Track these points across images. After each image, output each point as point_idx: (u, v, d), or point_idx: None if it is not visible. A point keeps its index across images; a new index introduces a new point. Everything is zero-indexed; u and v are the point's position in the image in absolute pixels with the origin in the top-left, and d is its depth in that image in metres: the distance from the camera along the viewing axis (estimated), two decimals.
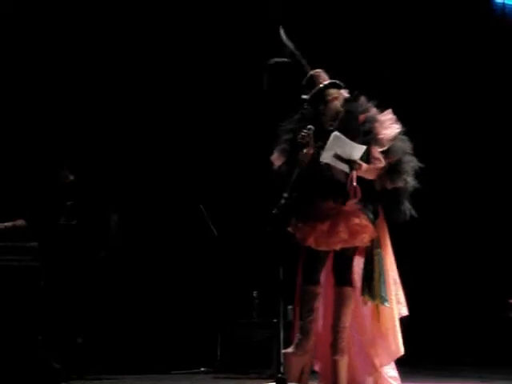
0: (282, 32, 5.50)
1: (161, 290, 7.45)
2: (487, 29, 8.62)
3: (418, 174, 5.30)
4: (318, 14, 7.94)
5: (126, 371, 6.41)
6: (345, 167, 5.18)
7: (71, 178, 6.65)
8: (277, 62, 5.45)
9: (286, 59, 5.44)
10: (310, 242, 5.29)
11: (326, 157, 5.15)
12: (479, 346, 7.64)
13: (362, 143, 5.21)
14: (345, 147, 5.11)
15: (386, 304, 5.30)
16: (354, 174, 5.19)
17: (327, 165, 5.22)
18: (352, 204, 5.28)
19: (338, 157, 5.14)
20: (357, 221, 5.27)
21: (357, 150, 5.13)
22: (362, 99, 5.38)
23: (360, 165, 5.17)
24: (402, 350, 5.32)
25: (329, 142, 5.10)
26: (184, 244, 7.60)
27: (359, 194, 5.23)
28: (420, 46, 8.25)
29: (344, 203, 5.26)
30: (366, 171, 5.23)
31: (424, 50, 8.25)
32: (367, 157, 5.25)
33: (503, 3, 8.82)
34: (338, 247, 5.28)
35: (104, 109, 7.67)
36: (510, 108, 8.37)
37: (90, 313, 6.53)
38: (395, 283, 5.37)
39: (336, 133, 5.13)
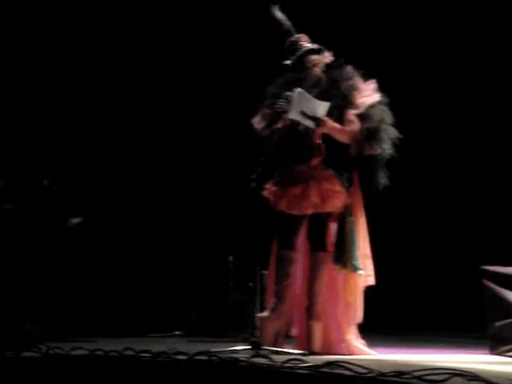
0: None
1: (136, 253, 7.44)
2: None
3: (395, 144, 5.32)
4: None
5: (102, 334, 6.43)
6: (311, 124, 5.22)
7: None
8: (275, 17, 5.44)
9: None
10: (282, 205, 5.34)
11: (293, 113, 5.18)
12: (453, 313, 7.73)
13: (337, 106, 5.24)
14: (308, 104, 5.15)
15: (359, 272, 5.35)
16: (319, 130, 5.24)
17: (305, 131, 5.26)
18: (325, 169, 5.31)
19: (303, 114, 5.17)
20: (329, 186, 5.31)
21: (321, 107, 5.17)
22: (348, 67, 5.39)
23: (324, 121, 5.18)
24: (360, 318, 5.40)
25: (293, 99, 5.12)
26: (159, 208, 7.60)
27: (323, 152, 5.27)
28: (409, 24, 8.23)
29: (309, 159, 5.27)
30: (338, 132, 5.25)
31: (413, 28, 8.23)
32: (341, 120, 5.26)
33: None
34: (309, 211, 5.31)
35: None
36: (490, 88, 8.37)
37: (66, 278, 6.54)
38: (364, 255, 5.42)
39: (299, 89, 5.15)
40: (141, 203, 7.62)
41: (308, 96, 5.17)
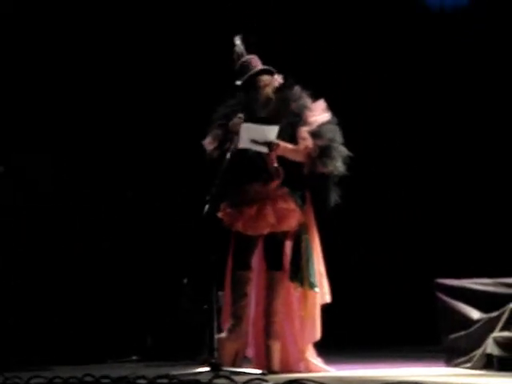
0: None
1: (91, 278, 7.38)
2: (405, 15, 8.75)
3: (346, 162, 5.37)
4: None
5: (57, 362, 6.37)
6: (264, 149, 5.25)
7: None
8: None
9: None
10: (238, 226, 5.35)
11: (243, 142, 5.21)
12: (408, 327, 7.80)
13: (289, 124, 5.29)
14: (258, 132, 5.18)
15: (316, 289, 5.38)
16: (273, 154, 5.27)
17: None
18: (279, 188, 5.34)
19: (254, 141, 5.20)
20: (284, 205, 5.33)
21: (270, 131, 5.20)
22: (297, 88, 5.44)
23: (277, 144, 5.22)
24: (318, 336, 5.42)
25: (240, 134, 5.17)
26: (113, 230, 7.55)
27: (282, 175, 5.30)
28: (354, 38, 8.33)
29: (267, 183, 5.31)
30: (291, 152, 5.29)
31: (359, 42, 8.33)
32: (294, 138, 5.31)
33: None
34: (265, 231, 5.34)
35: None
36: (438, 99, 8.51)
37: (20, 302, 6.48)
38: (320, 273, 5.46)
39: (244, 124, 5.20)
40: (96, 226, 7.54)
41: (255, 126, 5.21)
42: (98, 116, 7.69)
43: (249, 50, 5.47)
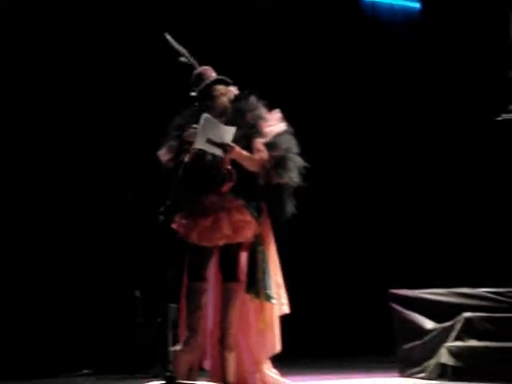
0: (168, 37, 5.50)
1: (42, 291, 7.28)
2: (357, 28, 8.81)
3: (302, 173, 5.37)
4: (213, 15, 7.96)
5: (10, 377, 6.28)
6: (219, 151, 5.21)
7: None
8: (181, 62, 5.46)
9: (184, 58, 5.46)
10: (193, 237, 5.28)
11: (199, 142, 5.16)
12: (361, 337, 7.83)
13: (244, 135, 5.26)
14: (215, 130, 5.14)
15: (272, 301, 5.34)
16: (227, 156, 5.24)
17: (212, 161, 5.26)
18: (235, 200, 5.31)
19: (210, 141, 5.17)
20: (240, 217, 5.29)
21: (227, 132, 5.16)
22: (252, 98, 5.41)
23: (232, 147, 5.19)
24: (278, 348, 5.39)
25: (200, 125, 5.13)
26: (65, 242, 7.46)
27: (234, 178, 5.28)
28: (310, 47, 8.37)
29: (221, 186, 5.28)
30: (246, 158, 5.25)
31: (313, 50, 8.37)
32: (249, 149, 5.29)
33: (372, 2, 9.00)
34: (220, 243, 5.29)
35: None
36: (378, 107, 8.58)
37: None
38: (277, 285, 5.43)
39: (206, 115, 5.16)
40: (48, 235, 7.44)
41: (214, 121, 5.17)
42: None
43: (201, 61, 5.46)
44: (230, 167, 5.27)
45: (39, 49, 7.52)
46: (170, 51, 5.45)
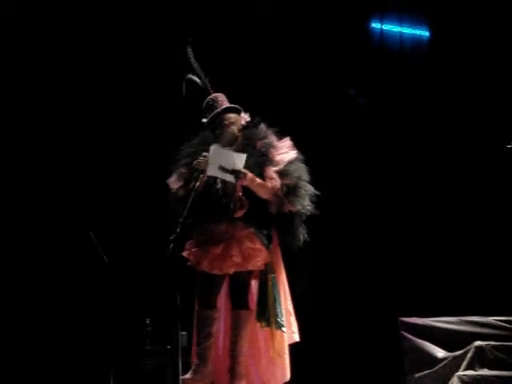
0: (189, 51, 5.52)
1: (54, 317, 7.28)
2: (365, 54, 8.83)
3: (313, 201, 5.37)
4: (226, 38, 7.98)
5: None
6: (231, 178, 5.22)
7: None
8: (191, 79, 5.47)
9: (197, 78, 5.48)
10: (204, 265, 5.29)
11: (211, 169, 5.18)
12: (372, 365, 7.78)
13: (256, 163, 5.27)
14: (226, 158, 5.16)
15: (283, 329, 5.33)
16: (239, 183, 5.24)
17: (223, 184, 5.27)
18: (246, 228, 5.31)
19: (222, 168, 5.18)
20: (250, 245, 5.29)
21: (238, 159, 5.18)
22: (262, 126, 5.43)
23: (245, 174, 5.20)
24: (288, 376, 5.38)
25: (210, 155, 5.14)
26: (74, 270, 7.46)
27: (246, 206, 5.28)
28: (320, 76, 8.39)
29: (232, 214, 5.28)
30: (258, 185, 5.26)
31: (311, 81, 8.38)
32: (261, 177, 5.30)
33: (381, 28, 9.02)
34: (231, 271, 5.29)
35: None
36: (387, 134, 8.59)
37: None
38: (287, 313, 5.42)
39: (215, 145, 5.17)
40: (54, 266, 7.45)
41: (224, 150, 5.18)
42: None
43: (214, 88, 5.48)
44: (241, 194, 5.28)
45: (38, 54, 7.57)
46: (184, 69, 5.45)
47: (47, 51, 7.55)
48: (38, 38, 7.54)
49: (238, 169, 5.18)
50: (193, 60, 5.49)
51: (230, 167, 5.18)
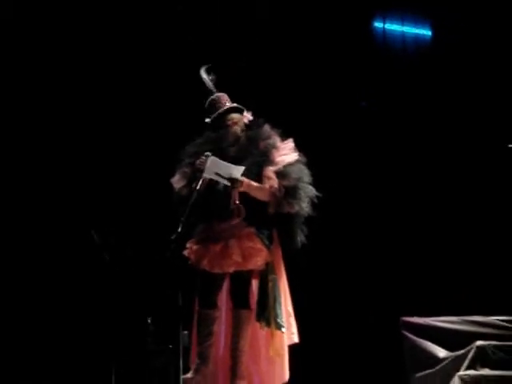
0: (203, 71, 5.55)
1: (54, 316, 7.28)
2: (367, 54, 8.83)
3: (313, 203, 5.36)
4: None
5: None
6: (227, 183, 5.23)
7: None
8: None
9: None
10: (204, 264, 5.30)
11: (208, 173, 5.19)
12: (373, 365, 7.78)
13: (256, 163, 5.27)
14: (223, 168, 5.17)
15: (283, 330, 5.33)
16: (236, 192, 5.25)
17: (224, 189, 5.28)
18: (246, 227, 5.31)
19: (219, 175, 5.19)
20: (250, 244, 5.29)
21: (235, 170, 5.19)
22: (266, 127, 5.43)
23: (241, 182, 5.20)
24: (287, 377, 5.38)
25: (206, 167, 5.15)
26: (75, 270, 7.47)
27: (243, 214, 5.27)
28: (325, 78, 8.39)
29: (229, 220, 5.28)
30: (256, 189, 5.26)
31: (315, 83, 8.39)
32: (260, 177, 5.30)
33: (383, 28, 9.02)
34: (231, 270, 5.29)
35: None
36: (389, 135, 8.59)
37: None
38: (287, 313, 5.42)
39: (211, 157, 5.18)
40: (56, 264, 7.46)
41: (222, 162, 5.19)
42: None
43: (218, 86, 5.48)
44: (238, 202, 5.28)
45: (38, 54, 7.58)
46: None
47: (47, 51, 7.56)
48: (40, 39, 7.55)
49: (234, 177, 5.19)
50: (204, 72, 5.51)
51: (226, 176, 5.19)
